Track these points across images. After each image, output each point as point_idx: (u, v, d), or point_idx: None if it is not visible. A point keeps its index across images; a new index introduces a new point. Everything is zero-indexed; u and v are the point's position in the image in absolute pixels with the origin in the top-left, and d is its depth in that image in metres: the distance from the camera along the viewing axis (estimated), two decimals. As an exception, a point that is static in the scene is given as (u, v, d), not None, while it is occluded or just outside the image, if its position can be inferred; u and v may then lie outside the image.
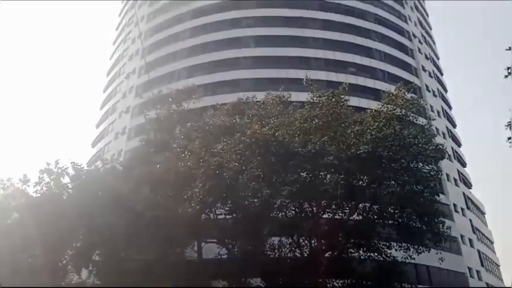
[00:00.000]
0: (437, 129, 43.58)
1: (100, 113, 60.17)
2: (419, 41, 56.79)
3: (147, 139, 28.38)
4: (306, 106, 23.40)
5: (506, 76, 12.55)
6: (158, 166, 23.39)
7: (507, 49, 12.36)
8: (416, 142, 20.91)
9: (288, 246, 23.98)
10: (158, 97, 31.18)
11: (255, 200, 20.85)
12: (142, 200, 20.38)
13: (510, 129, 12.47)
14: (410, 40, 54.80)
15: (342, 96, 23.04)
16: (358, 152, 19.89)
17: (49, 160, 25.63)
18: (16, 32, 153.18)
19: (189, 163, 22.33)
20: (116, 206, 20.51)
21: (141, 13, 58.64)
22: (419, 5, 64.20)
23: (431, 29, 66.30)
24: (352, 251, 23.40)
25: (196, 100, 31.54)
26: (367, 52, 49.56)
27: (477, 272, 41.48)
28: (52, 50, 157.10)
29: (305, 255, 23.53)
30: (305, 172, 21.04)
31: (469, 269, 40.22)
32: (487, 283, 42.56)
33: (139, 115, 44.47)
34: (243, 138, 21.37)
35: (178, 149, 23.81)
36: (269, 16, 49.88)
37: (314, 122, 21.89)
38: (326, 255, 23.48)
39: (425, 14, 66.34)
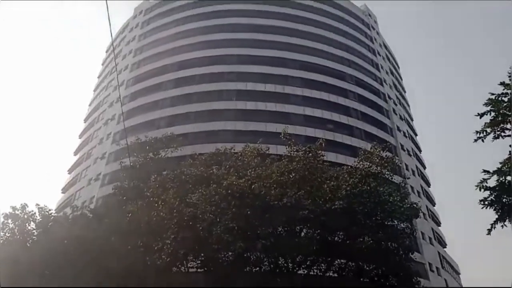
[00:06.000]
0: (412, 187, 44.25)
1: (73, 158, 59.09)
2: (394, 103, 59.11)
3: (120, 186, 27.78)
4: (283, 160, 23.57)
5: (475, 140, 13.02)
6: (129, 214, 22.71)
7: (476, 115, 12.99)
8: (391, 199, 21.15)
9: (261, 303, 23.10)
10: (135, 144, 30.92)
11: (229, 253, 20.31)
12: (111, 250, 19.54)
13: (480, 190, 12.71)
14: (386, 101, 57.01)
15: (319, 152, 23.39)
16: (333, 207, 19.93)
17: (15, 203, 24.56)
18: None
19: (162, 213, 21.81)
20: (83, 255, 19.58)
21: (125, 62, 59.62)
22: (393, 70, 67.59)
23: (405, 92, 69.41)
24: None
25: (174, 149, 31.44)
26: (345, 110, 51.08)
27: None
28: (27, 90, 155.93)
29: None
30: (280, 226, 20.80)
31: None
32: None
33: (115, 161, 43.78)
34: (219, 189, 21.20)
35: (152, 198, 23.31)
36: (251, 72, 51.43)
37: (291, 176, 21.96)
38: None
39: (399, 78, 69.73)
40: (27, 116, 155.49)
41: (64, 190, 55.76)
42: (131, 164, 27.30)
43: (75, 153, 59.67)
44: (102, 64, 69.48)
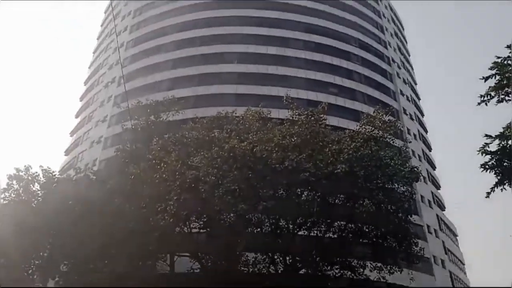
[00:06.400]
0: (413, 151, 44.42)
1: (75, 121, 59.11)
2: (398, 66, 58.27)
3: (123, 149, 27.91)
4: (285, 123, 23.55)
5: (479, 104, 12.93)
6: (132, 177, 22.95)
7: (480, 78, 12.82)
8: (392, 163, 21.26)
9: (262, 262, 23.76)
10: (136, 107, 30.80)
11: (231, 215, 20.67)
12: (114, 211, 19.88)
13: (482, 154, 12.75)
14: (390, 65, 56.19)
15: (322, 115, 23.32)
16: (335, 171, 20.06)
17: (19, 166, 24.78)
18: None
19: (164, 175, 22.02)
20: (87, 216, 19.95)
21: (124, 24, 58.42)
22: (398, 32, 66.14)
23: (409, 55, 68.25)
24: (327, 268, 23.36)
25: (175, 112, 31.34)
26: (348, 74, 50.45)
27: (448, 293, 42.01)
28: (28, 54, 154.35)
29: (280, 271, 23.35)
30: (282, 188, 21.05)
31: (441, 290, 40.67)
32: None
33: (116, 124, 43.84)
34: (221, 153, 21.29)
35: (154, 161, 23.47)
36: (253, 34, 50.43)
37: (293, 140, 21.99)
38: (301, 272, 23.35)
39: (404, 41, 68.32)
40: (29, 78, 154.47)
41: (67, 152, 56.16)
42: (133, 127, 27.33)
43: (77, 116, 59.63)
44: (101, 26, 68.09)
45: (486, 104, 12.80)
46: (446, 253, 45.79)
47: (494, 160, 12.57)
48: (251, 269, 23.42)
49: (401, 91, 54.82)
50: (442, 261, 43.62)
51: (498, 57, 12.44)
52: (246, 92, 44.31)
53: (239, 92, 44.99)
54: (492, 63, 12.62)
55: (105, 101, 52.44)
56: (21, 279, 20.22)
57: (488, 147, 12.50)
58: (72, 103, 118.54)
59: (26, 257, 20.60)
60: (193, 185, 20.91)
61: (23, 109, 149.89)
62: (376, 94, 50.21)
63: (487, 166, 12.69)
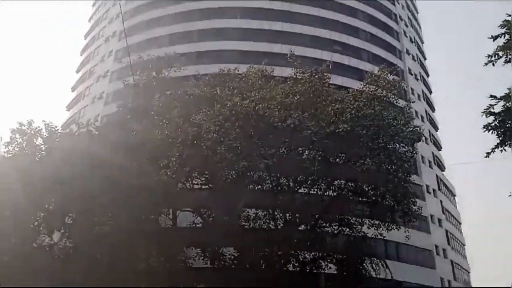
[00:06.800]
0: (416, 112, 44.21)
1: (76, 76, 58.58)
2: (405, 24, 56.81)
3: (125, 104, 27.82)
4: (288, 82, 23.29)
5: (486, 64, 12.69)
6: (135, 133, 23.04)
7: (489, 38, 12.50)
8: (394, 123, 21.21)
9: (263, 218, 24.28)
10: (138, 63, 30.39)
11: (232, 172, 20.88)
12: (117, 166, 20.09)
13: (486, 116, 12.67)
14: (397, 22, 54.75)
15: (325, 74, 23.02)
16: (337, 130, 20.05)
17: (22, 117, 24.91)
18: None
19: (166, 132, 22.08)
20: (91, 170, 20.18)
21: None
22: (407, -14, 63.96)
23: (417, 12, 66.30)
24: (325, 225, 23.90)
25: (177, 68, 30.95)
26: (354, 31, 49.34)
27: (443, 250, 43.25)
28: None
29: (280, 227, 23.91)
30: (283, 147, 21.15)
31: (436, 247, 41.86)
32: (451, 261, 44.48)
33: (118, 80, 43.47)
34: (223, 110, 21.22)
35: (156, 117, 23.45)
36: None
37: (295, 98, 21.83)
38: (300, 228, 23.91)
39: (412, -3, 66.23)
40: (29, 33, 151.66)
41: (68, 107, 56.11)
42: (135, 82, 27.09)
43: (77, 71, 59.04)
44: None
45: (493, 64, 12.56)
46: (443, 213, 46.71)
47: (498, 121, 12.53)
48: (251, 224, 23.98)
49: (407, 50, 53.80)
50: (439, 220, 44.59)
51: (509, 15, 12.08)
52: (249, 49, 43.57)
53: (242, 49, 44.22)
54: (502, 22, 12.27)
55: (105, 56, 51.72)
56: (27, 231, 20.77)
57: (493, 108, 12.41)
58: (74, 58, 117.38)
59: (31, 209, 21.04)
60: (195, 142, 21.02)
61: (24, 64, 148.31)
62: (381, 53, 49.34)
63: (490, 127, 12.67)
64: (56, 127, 25.27)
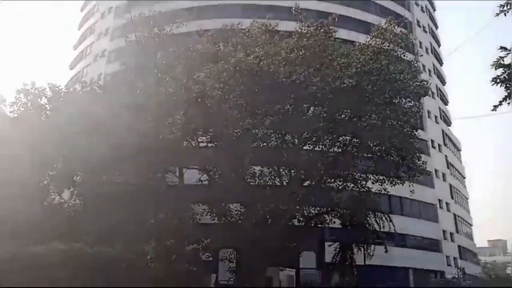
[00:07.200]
0: (423, 65, 43.37)
1: (78, 33, 57.55)
2: (415, -28, 54.54)
3: (127, 62, 27.45)
4: (293, 36, 22.70)
5: (497, 14, 12.24)
6: (138, 91, 22.89)
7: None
8: (401, 77, 20.86)
9: (268, 175, 24.54)
10: (139, 19, 29.62)
11: (237, 129, 20.86)
12: (123, 125, 20.10)
13: (495, 68, 12.42)
14: (406, -30, 52.54)
15: (331, 28, 22.36)
16: (343, 85, 19.77)
17: (25, 80, 24.74)
18: None
19: (170, 90, 21.91)
20: (96, 129, 20.23)
21: None
22: None
23: (427, -41, 63.41)
24: (330, 181, 24.15)
25: (179, 24, 30.21)
26: (361, -19, 47.49)
27: (447, 204, 43.86)
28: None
29: (285, 184, 24.21)
30: (288, 103, 20.97)
31: (439, 201, 42.43)
32: (454, 214, 45.22)
33: (119, 37, 42.65)
34: (226, 66, 20.90)
35: (159, 75, 23.20)
36: None
37: (300, 53, 21.36)
38: (305, 184, 24.19)
39: None
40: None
41: (71, 66, 55.58)
42: (137, 39, 26.57)
43: (79, 28, 57.90)
44: None
45: (505, 14, 12.14)
46: (448, 167, 46.93)
47: (507, 73, 12.28)
48: (257, 181, 24.28)
49: (416, 0, 51.97)
50: (443, 175, 44.89)
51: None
52: (252, 3, 42.25)
53: (243, 2, 42.88)
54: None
55: (105, 12, 50.49)
56: (36, 191, 21.15)
57: (503, 60, 12.12)
58: (75, 15, 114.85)
59: (39, 168, 21.31)
60: (199, 99, 20.89)
61: (25, 24, 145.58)
62: (389, 4, 47.69)
63: (499, 80, 12.46)
64: (59, 86, 25.14)
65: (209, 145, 24.99)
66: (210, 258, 25.52)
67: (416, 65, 24.41)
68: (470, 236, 51.44)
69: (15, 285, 12.78)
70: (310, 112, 21.50)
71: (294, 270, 29.34)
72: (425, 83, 22.11)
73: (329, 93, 19.95)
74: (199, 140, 25.01)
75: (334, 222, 25.64)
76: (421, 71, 28.88)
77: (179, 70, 22.08)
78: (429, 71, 48.64)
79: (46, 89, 24.65)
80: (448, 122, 53.08)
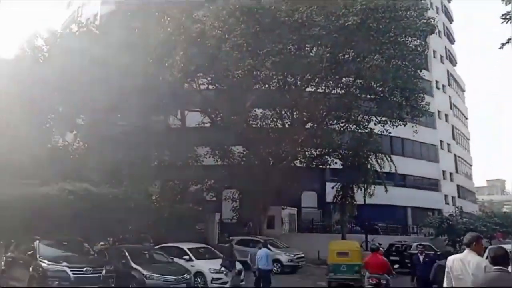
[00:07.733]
0: (431, 3, 41.63)
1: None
2: None
3: (123, 1, 26.36)
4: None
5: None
6: (136, 31, 22.20)
7: None
8: (407, 15, 20.12)
9: (270, 117, 24.50)
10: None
11: (238, 71, 20.49)
12: (122, 66, 19.68)
13: (506, 4, 12.01)
14: None
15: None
16: (347, 24, 19.10)
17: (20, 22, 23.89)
18: None
19: (169, 29, 21.28)
20: (96, 71, 19.84)
21: None
22: None
23: None
24: (332, 123, 24.13)
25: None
26: None
27: (448, 145, 44.09)
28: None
29: (287, 126, 24.23)
30: (291, 43, 20.39)
31: (441, 142, 42.62)
32: (455, 155, 45.60)
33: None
34: (226, 5, 20.14)
35: (157, 14, 22.41)
36: None
37: (304, -11, 20.45)
38: (307, 126, 24.21)
39: None
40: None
41: (67, 6, 53.69)
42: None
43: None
44: None
45: None
46: (451, 108, 46.62)
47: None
48: (259, 123, 24.30)
49: None
50: (446, 116, 44.69)
51: None
52: None
53: None
54: None
55: None
56: (40, 133, 21.14)
57: (515, -3, 11.69)
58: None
59: (40, 111, 21.17)
60: (199, 39, 20.32)
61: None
62: None
63: (508, 17, 12.12)
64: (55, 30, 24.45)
65: (210, 87, 24.73)
66: (214, 198, 26.24)
67: (423, 2, 23.42)
68: (469, 176, 52.21)
69: (24, 222, 13.22)
70: (312, 52, 20.95)
71: (296, 208, 30.18)
72: (432, 20, 21.33)
73: (332, 32, 19.32)
74: (199, 82, 24.72)
75: (336, 163, 25.95)
76: (428, 8, 27.71)
77: (177, 9, 21.29)
78: (437, 8, 46.77)
79: (42, 31, 23.91)
80: (454, 62, 51.96)
